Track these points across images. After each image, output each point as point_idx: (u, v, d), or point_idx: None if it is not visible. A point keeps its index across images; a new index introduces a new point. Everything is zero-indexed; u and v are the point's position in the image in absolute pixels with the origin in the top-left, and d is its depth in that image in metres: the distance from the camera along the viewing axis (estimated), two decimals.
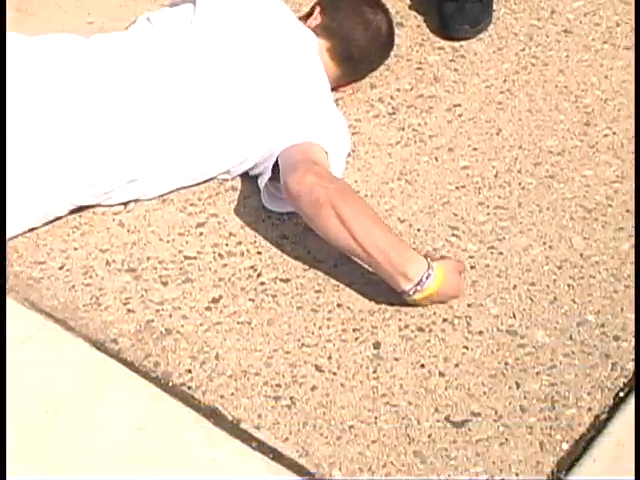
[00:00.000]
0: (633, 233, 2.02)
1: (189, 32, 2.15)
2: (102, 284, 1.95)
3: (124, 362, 1.81)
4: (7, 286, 1.92)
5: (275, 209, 2.09)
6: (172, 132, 2.06)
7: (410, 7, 2.70)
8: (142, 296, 1.93)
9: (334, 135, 2.11)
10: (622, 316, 1.86)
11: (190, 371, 1.78)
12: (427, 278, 1.81)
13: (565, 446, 1.66)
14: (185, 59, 2.12)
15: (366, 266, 1.90)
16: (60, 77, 2.05)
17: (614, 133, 2.28)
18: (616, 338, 1.82)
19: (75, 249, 2.03)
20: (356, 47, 2.32)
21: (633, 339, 1.82)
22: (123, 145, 2.03)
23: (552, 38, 2.58)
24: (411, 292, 1.82)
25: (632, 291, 1.91)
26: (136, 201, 2.11)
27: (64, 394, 1.75)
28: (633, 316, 1.85)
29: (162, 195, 2.12)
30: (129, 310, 1.90)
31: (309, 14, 2.35)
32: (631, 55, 2.51)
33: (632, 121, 2.30)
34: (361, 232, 1.84)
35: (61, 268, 1.98)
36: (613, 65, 2.49)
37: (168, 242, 2.04)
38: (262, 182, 2.09)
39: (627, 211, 2.07)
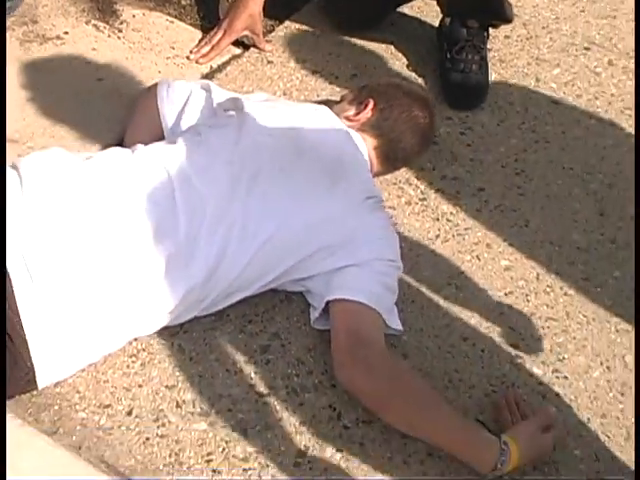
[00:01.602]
0: None
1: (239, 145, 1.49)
2: (178, 435, 1.33)
3: None
4: (76, 439, 1.29)
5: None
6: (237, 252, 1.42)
7: (409, 67, 2.07)
8: (224, 450, 1.32)
9: (387, 262, 1.50)
10: None
11: None
12: (502, 464, 1.30)
13: None
14: (241, 166, 1.46)
15: None
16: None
17: (622, 226, 1.77)
18: None
19: (140, 386, 1.38)
20: (402, 150, 1.70)
21: None
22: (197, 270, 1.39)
23: (544, 110, 2.03)
24: (490, 476, 1.32)
25: None
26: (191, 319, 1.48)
27: None
28: None
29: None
30: (214, 471, 1.30)
31: (356, 100, 1.69)
32: (617, 133, 2.01)
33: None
34: (428, 428, 1.33)
35: (129, 413, 1.35)
36: (605, 144, 1.98)
37: (236, 374, 1.42)
38: (312, 317, 1.49)
39: None
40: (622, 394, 1.49)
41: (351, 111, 1.67)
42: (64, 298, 1.29)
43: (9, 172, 1.38)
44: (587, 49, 2.25)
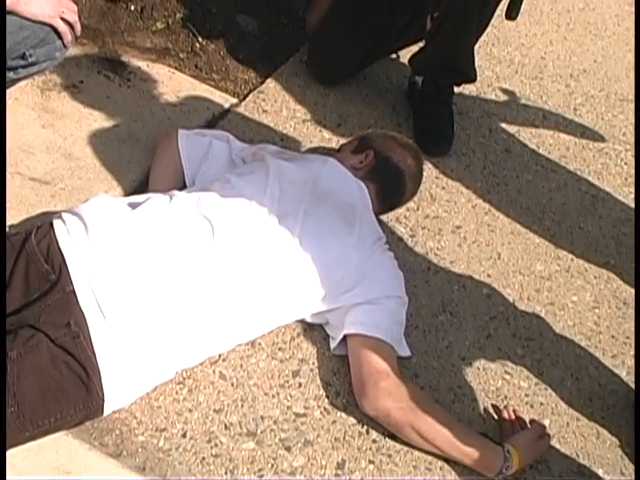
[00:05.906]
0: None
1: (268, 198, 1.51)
2: (230, 454, 1.35)
3: None
4: (139, 460, 1.29)
5: None
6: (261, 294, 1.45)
7: (384, 116, 2.15)
8: (272, 466, 1.35)
9: (396, 299, 1.55)
10: None
11: None
12: (507, 469, 1.40)
13: None
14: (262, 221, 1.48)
15: None
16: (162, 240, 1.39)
17: (574, 258, 1.92)
18: None
19: (190, 410, 1.39)
20: (398, 194, 1.77)
21: None
22: (236, 311, 1.41)
23: (499, 157, 2.16)
24: (496, 478, 1.42)
25: None
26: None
27: None
28: None
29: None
30: None
31: (357, 150, 1.73)
32: (558, 178, 2.16)
33: (585, 241, 1.97)
34: (444, 444, 1.40)
35: (184, 436, 1.35)
36: (550, 187, 2.12)
37: (274, 397, 1.45)
38: (331, 345, 1.53)
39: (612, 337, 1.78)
40: (590, 400, 1.61)
41: (354, 161, 1.72)
42: (131, 335, 1.28)
43: (69, 218, 1.36)
44: (525, 105, 2.42)
